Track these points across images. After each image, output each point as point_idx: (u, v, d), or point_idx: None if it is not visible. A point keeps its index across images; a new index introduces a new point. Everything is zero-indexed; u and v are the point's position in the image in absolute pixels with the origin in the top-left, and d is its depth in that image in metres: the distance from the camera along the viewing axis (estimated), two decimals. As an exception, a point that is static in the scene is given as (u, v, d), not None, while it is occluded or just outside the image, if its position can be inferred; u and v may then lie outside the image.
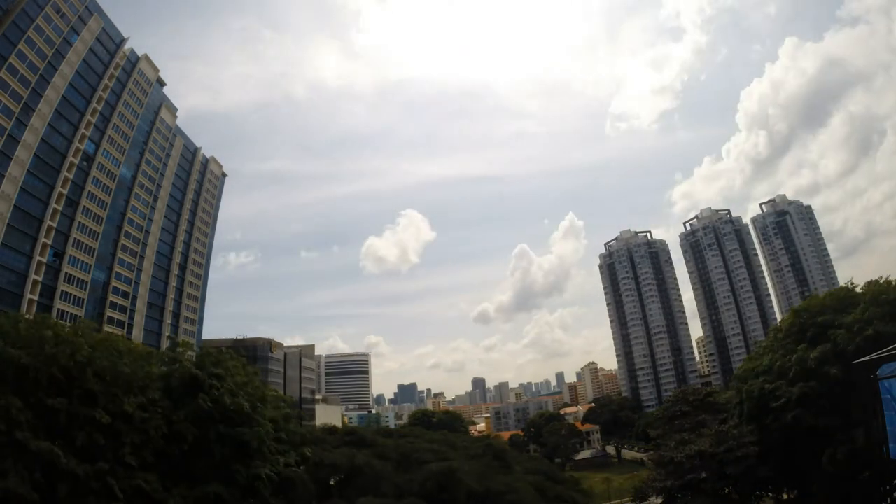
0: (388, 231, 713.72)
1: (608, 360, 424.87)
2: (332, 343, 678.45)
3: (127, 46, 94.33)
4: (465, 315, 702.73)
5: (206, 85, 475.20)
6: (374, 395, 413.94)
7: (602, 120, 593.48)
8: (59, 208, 76.26)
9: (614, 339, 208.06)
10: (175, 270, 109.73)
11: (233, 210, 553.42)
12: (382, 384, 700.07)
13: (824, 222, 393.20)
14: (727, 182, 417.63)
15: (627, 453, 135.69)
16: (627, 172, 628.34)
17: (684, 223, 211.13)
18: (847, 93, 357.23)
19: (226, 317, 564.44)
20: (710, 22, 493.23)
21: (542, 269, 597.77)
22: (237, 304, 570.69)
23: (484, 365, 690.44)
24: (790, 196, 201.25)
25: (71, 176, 78.83)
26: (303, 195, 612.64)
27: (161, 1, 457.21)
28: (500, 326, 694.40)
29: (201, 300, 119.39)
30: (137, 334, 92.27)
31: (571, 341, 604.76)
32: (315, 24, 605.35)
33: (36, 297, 70.57)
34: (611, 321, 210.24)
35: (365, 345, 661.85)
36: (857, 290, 44.84)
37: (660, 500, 50.15)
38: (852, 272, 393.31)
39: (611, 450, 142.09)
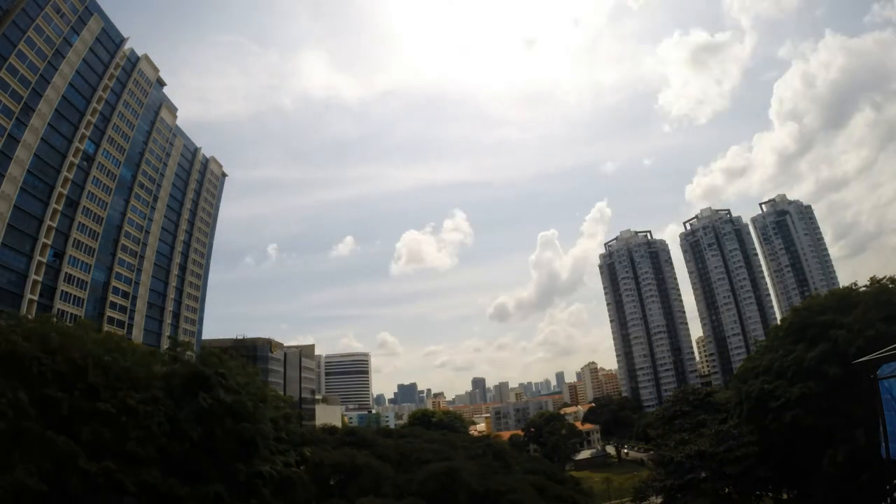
0: (407, 231, 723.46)
1: (608, 360, 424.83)
2: (347, 342, 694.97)
3: (127, 46, 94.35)
4: (481, 313, 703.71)
5: (197, 96, 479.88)
6: (374, 395, 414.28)
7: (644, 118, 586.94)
8: (59, 208, 76.22)
9: (614, 338, 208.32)
10: (175, 270, 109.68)
11: (232, 213, 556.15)
12: (384, 384, 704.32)
13: (838, 218, 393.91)
14: (748, 180, 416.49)
15: (627, 453, 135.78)
16: (660, 170, 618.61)
17: (684, 223, 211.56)
18: (873, 90, 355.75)
19: (228, 317, 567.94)
20: (757, 21, 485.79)
21: (564, 265, 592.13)
22: (240, 305, 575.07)
23: (493, 364, 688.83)
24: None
25: (71, 176, 78.79)
26: (299, 200, 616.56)
27: (152, 16, 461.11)
28: (517, 324, 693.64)
29: (201, 300, 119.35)
30: (137, 334, 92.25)
31: (583, 339, 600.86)
32: (301, 37, 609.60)
33: (36, 297, 70.53)
34: (611, 321, 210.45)
35: (378, 342, 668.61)
36: (861, 289, 44.63)
37: (660, 500, 50.15)
38: (861, 269, 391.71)
39: (611, 450, 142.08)
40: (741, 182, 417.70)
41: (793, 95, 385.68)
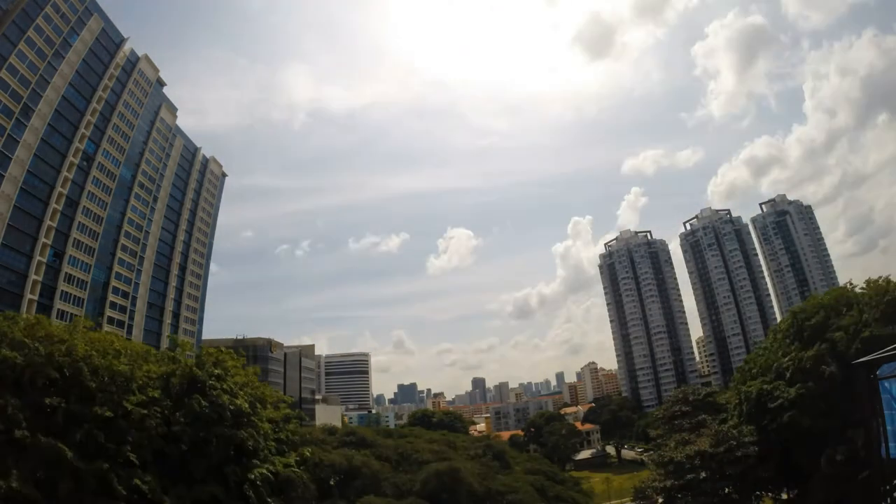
0: (430, 231, 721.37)
1: (609, 360, 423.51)
2: (364, 341, 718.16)
3: (127, 46, 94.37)
4: (501, 311, 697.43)
5: (188, 109, 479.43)
6: (374, 395, 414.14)
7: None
8: (59, 208, 76.27)
9: (614, 339, 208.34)
10: (175, 270, 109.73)
11: (232, 216, 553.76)
12: (384, 384, 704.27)
13: (853, 213, 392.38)
14: (772, 175, 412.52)
15: (627, 453, 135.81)
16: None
17: (684, 223, 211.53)
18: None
19: (228, 317, 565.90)
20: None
21: (590, 259, 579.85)
22: (243, 306, 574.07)
23: (503, 363, 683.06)
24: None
25: (71, 176, 78.84)
26: (299, 204, 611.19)
27: (141, 31, 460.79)
28: (539, 320, 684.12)
29: (201, 300, 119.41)
30: (137, 334, 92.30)
31: (596, 336, 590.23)
32: (287, 52, 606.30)
33: (36, 297, 70.57)
34: (611, 321, 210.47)
35: (394, 341, 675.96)
36: (858, 289, 44.79)
37: (660, 500, 50.18)
38: (872, 265, 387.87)
39: (611, 450, 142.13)
40: (767, 177, 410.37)
41: (828, 91, 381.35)
